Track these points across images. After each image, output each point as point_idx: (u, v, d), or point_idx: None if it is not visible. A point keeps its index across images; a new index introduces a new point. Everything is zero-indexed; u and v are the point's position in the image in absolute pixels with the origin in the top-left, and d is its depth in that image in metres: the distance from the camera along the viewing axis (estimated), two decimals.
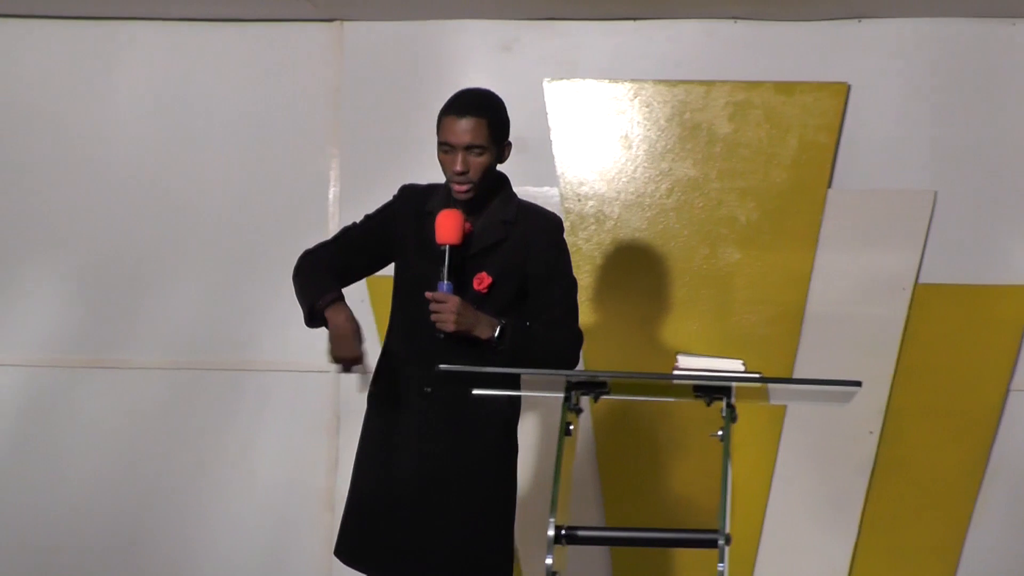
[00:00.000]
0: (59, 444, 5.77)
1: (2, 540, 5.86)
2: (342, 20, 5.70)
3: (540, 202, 5.39)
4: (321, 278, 4.10)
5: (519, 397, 4.18)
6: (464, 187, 3.97)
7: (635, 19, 5.53)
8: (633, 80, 5.49)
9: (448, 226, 3.94)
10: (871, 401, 5.25)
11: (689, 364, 4.12)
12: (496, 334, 3.96)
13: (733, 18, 5.45)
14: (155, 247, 5.81)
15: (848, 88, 5.40)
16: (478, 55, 5.64)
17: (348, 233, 4.24)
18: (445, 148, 3.97)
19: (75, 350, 5.81)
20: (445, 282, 3.91)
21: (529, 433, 5.39)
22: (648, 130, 5.48)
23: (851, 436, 5.35)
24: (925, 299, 5.38)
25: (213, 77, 5.80)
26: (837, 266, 5.37)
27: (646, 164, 5.48)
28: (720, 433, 4.05)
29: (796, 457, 5.40)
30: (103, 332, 5.81)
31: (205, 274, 5.70)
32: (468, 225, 3.99)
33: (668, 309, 5.46)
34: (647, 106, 5.48)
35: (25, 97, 5.91)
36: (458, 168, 3.94)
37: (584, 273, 5.45)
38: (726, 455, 4.04)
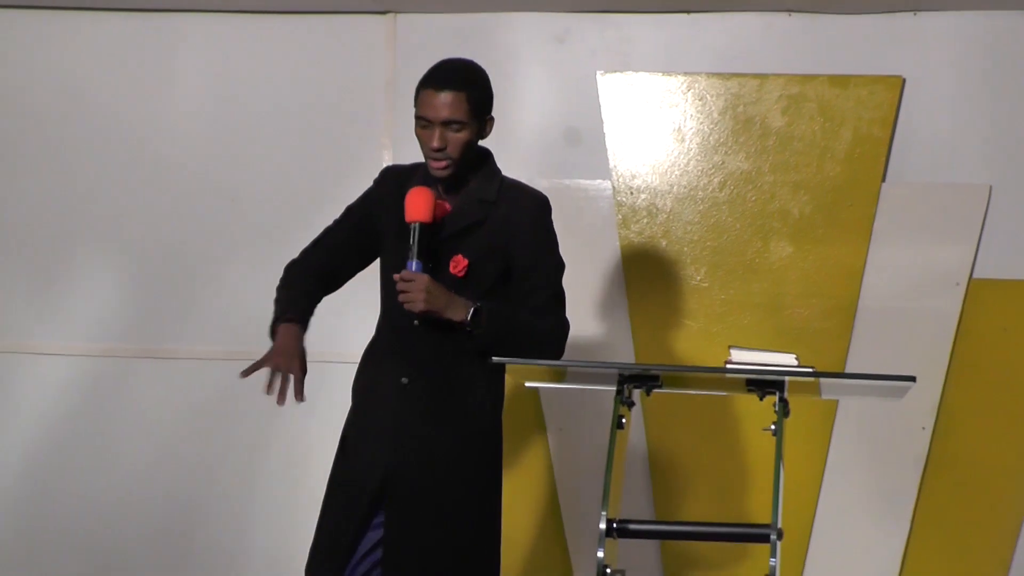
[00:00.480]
0: (112, 433, 5.83)
1: (56, 527, 5.91)
2: (396, 12, 5.72)
3: (591, 196, 5.49)
4: (291, 296, 3.99)
5: (501, 388, 4.01)
6: (442, 163, 3.78)
7: (689, 12, 5.52)
8: (686, 73, 5.49)
9: (417, 203, 3.76)
10: (924, 397, 5.21)
11: (742, 358, 4.11)
12: (470, 316, 3.76)
13: (788, 11, 5.42)
14: (209, 238, 5.85)
15: (903, 81, 5.37)
16: (531, 48, 5.64)
17: (329, 234, 4.08)
18: (422, 123, 3.78)
19: (128, 340, 5.86)
20: (414, 261, 3.73)
21: (576, 426, 5.49)
22: (701, 123, 5.47)
23: (904, 432, 5.32)
24: (979, 294, 5.35)
25: (268, 69, 5.83)
26: (891, 260, 5.34)
27: (699, 157, 5.47)
28: (773, 427, 4.05)
29: (848, 452, 5.37)
30: (156, 322, 5.85)
31: (258, 265, 5.70)
32: (447, 205, 3.83)
33: (720, 303, 5.45)
34: (700, 99, 5.47)
35: (82, 89, 5.96)
36: (435, 144, 3.75)
37: (635, 266, 5.48)
38: (778, 449, 4.05)
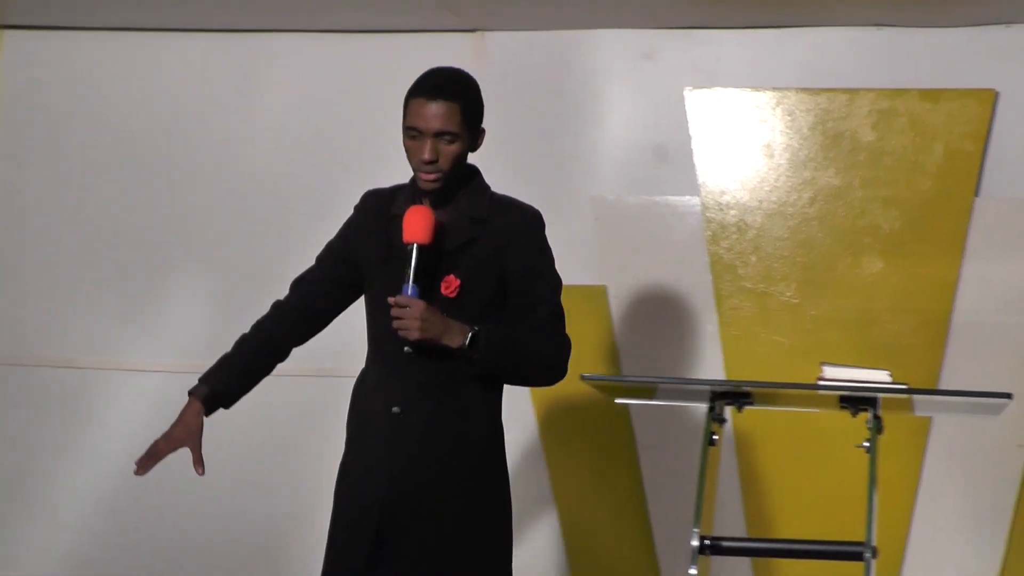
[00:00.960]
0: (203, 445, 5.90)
1: (149, 536, 6.01)
2: (483, 30, 5.76)
3: (680, 213, 5.50)
4: (231, 364, 3.94)
5: (499, 414, 3.76)
6: (431, 176, 3.56)
7: (777, 27, 5.52)
8: (775, 89, 5.49)
9: (417, 223, 3.54)
10: (1020, 413, 5.12)
11: (834, 375, 4.15)
12: (467, 342, 3.53)
13: (877, 25, 5.41)
14: (295, 256, 5.87)
15: (996, 95, 5.34)
16: (618, 64, 5.66)
17: (312, 270, 3.92)
18: (412, 134, 3.56)
19: (216, 357, 5.93)
20: (410, 285, 3.51)
21: (666, 443, 5.51)
22: (790, 139, 5.47)
23: (999, 449, 5.28)
24: None
25: (357, 88, 5.89)
26: (984, 276, 5.31)
27: (788, 173, 5.47)
28: (866, 444, 4.09)
29: (942, 470, 5.35)
30: None
31: None
32: (439, 222, 3.60)
33: (810, 319, 5.44)
34: (789, 115, 5.47)
35: (173, 109, 6.07)
36: (426, 156, 3.52)
37: (725, 282, 5.48)
38: (872, 466, 4.10)
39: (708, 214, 5.50)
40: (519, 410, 5.61)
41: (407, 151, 3.62)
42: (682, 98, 5.54)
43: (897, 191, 5.36)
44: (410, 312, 3.48)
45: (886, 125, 5.37)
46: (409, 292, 3.51)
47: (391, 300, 3.51)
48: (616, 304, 5.58)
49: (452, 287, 3.59)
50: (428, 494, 3.60)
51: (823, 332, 5.39)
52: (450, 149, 3.56)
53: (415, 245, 3.52)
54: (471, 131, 3.62)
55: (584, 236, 5.60)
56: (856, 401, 4.11)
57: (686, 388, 4.46)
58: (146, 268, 6.04)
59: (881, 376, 4.09)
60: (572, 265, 5.54)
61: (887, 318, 5.36)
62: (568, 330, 5.62)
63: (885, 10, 5.26)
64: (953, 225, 5.31)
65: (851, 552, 4.04)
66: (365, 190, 5.33)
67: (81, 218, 6.15)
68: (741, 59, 5.57)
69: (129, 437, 5.96)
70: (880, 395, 4.05)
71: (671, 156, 5.56)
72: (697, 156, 5.53)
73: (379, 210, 3.76)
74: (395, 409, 3.61)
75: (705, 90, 5.54)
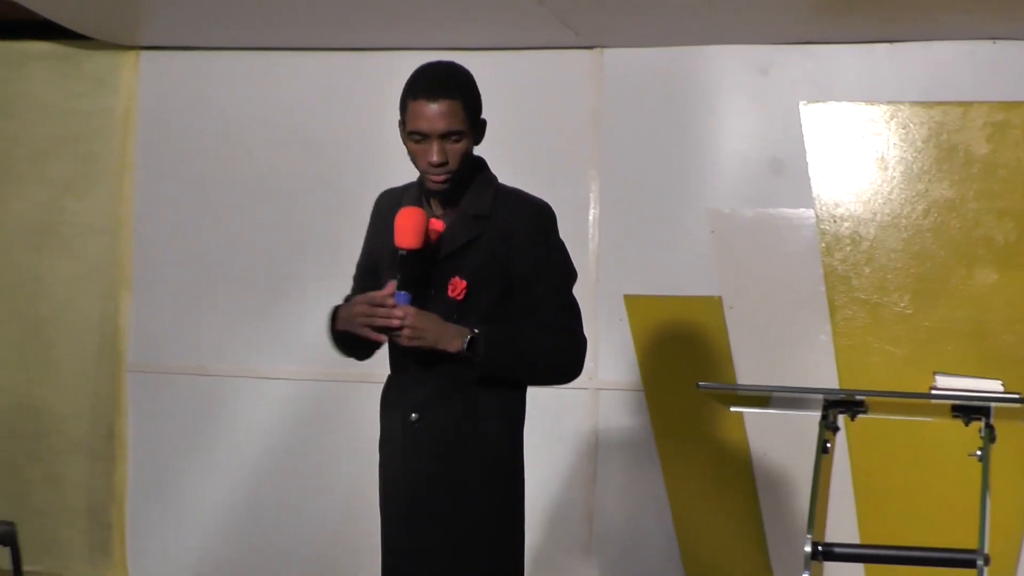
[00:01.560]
0: (328, 449, 6.02)
1: (279, 541, 6.13)
2: (602, 47, 5.80)
3: (795, 224, 5.51)
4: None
5: (519, 411, 3.59)
6: (441, 177, 3.40)
7: (891, 42, 5.51)
8: (889, 102, 5.48)
9: (405, 228, 3.36)
10: None
11: (947, 384, 4.14)
12: (465, 345, 3.38)
13: (992, 38, 5.38)
14: None
15: None
16: (734, 79, 5.68)
17: (355, 279, 3.79)
18: (416, 138, 3.39)
19: (341, 365, 6.03)
20: (402, 292, 3.36)
21: (780, 450, 5.53)
22: (904, 151, 5.46)
23: None
24: None
25: (484, 102, 5.90)
26: None
27: (902, 185, 5.46)
28: (979, 453, 4.07)
29: None
30: None
31: None
32: (440, 225, 3.45)
33: (924, 330, 5.42)
34: (903, 128, 5.46)
35: (298, 123, 6.18)
36: (435, 159, 3.37)
37: (839, 293, 5.49)
38: (985, 475, 4.07)
39: (822, 226, 5.51)
40: (635, 416, 5.74)
41: (412, 155, 3.46)
42: (797, 112, 5.56)
43: (1011, 203, 5.33)
44: (404, 320, 3.35)
45: (1000, 137, 5.34)
46: (401, 300, 3.37)
47: (373, 304, 3.39)
48: (731, 314, 5.60)
49: (459, 289, 3.44)
50: (443, 498, 3.47)
51: (936, 343, 5.38)
52: (457, 147, 3.41)
53: (403, 251, 3.37)
54: (475, 126, 3.47)
55: (700, 248, 5.64)
56: (969, 410, 4.10)
57: (800, 397, 4.45)
58: (273, 278, 6.18)
59: (994, 385, 4.09)
60: (688, 276, 5.66)
61: (1000, 329, 5.33)
62: (683, 341, 5.69)
63: (999, 24, 5.24)
64: None
65: (964, 559, 4.01)
66: None
67: (211, 230, 6.30)
68: (855, 73, 5.56)
69: (258, 441, 6.21)
70: (993, 404, 4.04)
71: (786, 169, 5.58)
72: (812, 169, 5.54)
73: (389, 210, 3.57)
74: (413, 416, 3.49)
75: (820, 104, 5.55)
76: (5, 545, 5.73)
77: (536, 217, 3.52)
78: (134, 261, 6.36)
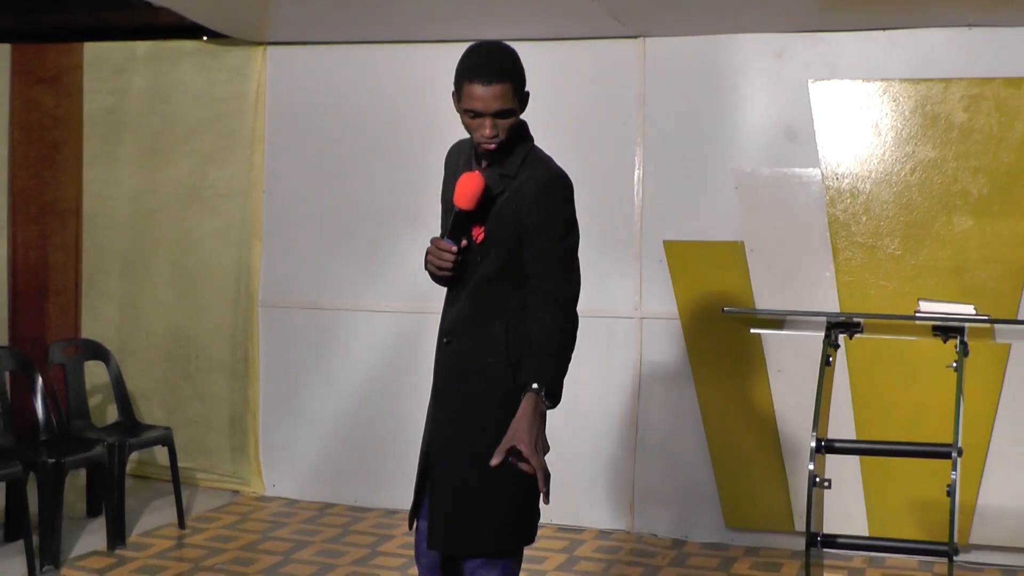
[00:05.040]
0: (422, 371, 6.05)
1: (380, 445, 6.22)
2: (644, 37, 5.81)
3: (804, 182, 5.52)
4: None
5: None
6: (493, 145, 3.25)
7: (885, 29, 5.48)
8: (883, 80, 5.47)
9: (466, 192, 3.25)
10: None
11: (929, 308, 4.16)
12: (544, 397, 3.17)
13: (968, 25, 5.35)
14: None
15: None
16: (754, 61, 5.67)
17: (441, 218, 3.53)
18: (471, 114, 3.22)
19: (435, 300, 6.11)
20: (450, 240, 3.28)
21: (792, 367, 5.54)
22: (895, 120, 5.45)
23: None
24: None
25: (542, 88, 5.81)
26: None
27: (893, 148, 5.45)
28: (954, 365, 4.09)
29: (1019, 387, 5.29)
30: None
31: None
32: (480, 178, 3.29)
33: (911, 268, 5.42)
34: (894, 101, 5.45)
35: (399, 105, 6.23)
36: (489, 133, 3.22)
37: (841, 238, 5.49)
38: (959, 383, 4.09)
39: (827, 183, 5.51)
40: (673, 340, 5.79)
41: (467, 127, 3.28)
42: (807, 88, 5.56)
43: (984, 162, 5.31)
44: (443, 256, 3.27)
45: (975, 108, 5.32)
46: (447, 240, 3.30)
47: (437, 244, 3.30)
48: (752, 256, 5.61)
49: (479, 234, 3.29)
50: (458, 413, 3.34)
51: (921, 278, 5.39)
52: (506, 122, 3.23)
53: (456, 210, 3.27)
54: (522, 102, 3.28)
55: (726, 201, 5.65)
56: (946, 330, 4.14)
57: (808, 320, 4.47)
58: (375, 230, 6.25)
59: (967, 309, 4.11)
60: (716, 224, 5.68)
61: (975, 266, 5.32)
62: (712, 278, 5.67)
63: (975, 13, 5.22)
64: None
65: (941, 452, 4.07)
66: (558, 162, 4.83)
67: (325, 191, 6.39)
68: (855, 55, 5.54)
69: (366, 365, 6.33)
70: (966, 324, 4.08)
71: (798, 136, 5.57)
72: (819, 136, 5.54)
73: (456, 157, 3.47)
74: (445, 339, 3.37)
75: (825, 82, 5.54)
76: (164, 446, 5.95)
77: (550, 182, 3.30)
78: (264, 218, 6.50)
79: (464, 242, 3.29)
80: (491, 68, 3.20)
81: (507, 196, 3.29)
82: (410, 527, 3.48)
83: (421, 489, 3.42)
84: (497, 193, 3.29)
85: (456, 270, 3.31)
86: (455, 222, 3.28)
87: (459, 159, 3.45)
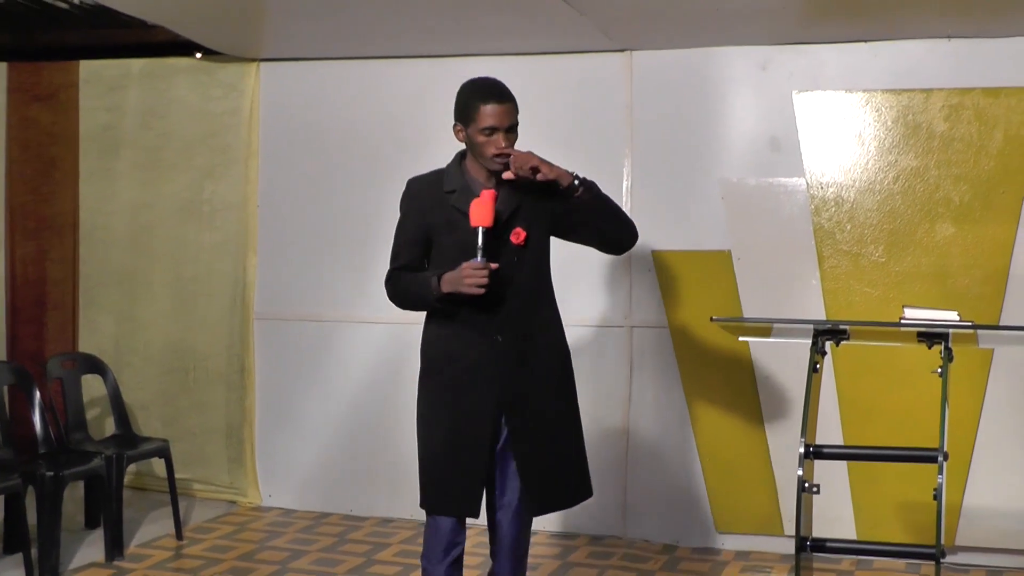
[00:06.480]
0: (413, 381, 6.06)
1: (373, 452, 6.19)
2: (632, 50, 5.80)
3: (790, 191, 5.52)
4: (413, 278, 3.79)
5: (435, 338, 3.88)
6: (504, 160, 3.63)
7: (867, 41, 5.47)
8: (865, 90, 5.46)
9: (484, 212, 3.61)
10: None
11: (913, 315, 4.12)
12: (575, 180, 3.64)
13: (948, 36, 5.34)
14: None
15: None
16: (739, 73, 5.65)
17: (403, 242, 3.86)
18: (488, 131, 3.62)
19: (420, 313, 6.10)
20: (484, 259, 3.60)
21: (779, 373, 5.52)
22: (878, 130, 5.44)
23: None
24: None
25: (536, 99, 5.76)
26: None
27: (876, 157, 5.44)
28: (939, 370, 4.06)
29: (1002, 392, 5.29)
30: None
31: None
32: (493, 192, 3.67)
33: (895, 274, 5.41)
34: (877, 111, 5.44)
35: (391, 120, 6.19)
36: (504, 147, 3.62)
37: (826, 246, 5.48)
38: (944, 388, 4.05)
39: (812, 192, 5.50)
40: (662, 348, 5.76)
41: (480, 145, 3.65)
42: (791, 99, 5.55)
43: (965, 170, 5.31)
44: (481, 273, 3.58)
45: (956, 117, 5.31)
46: (479, 260, 3.60)
47: (472, 267, 3.58)
48: (739, 264, 5.59)
49: (521, 237, 3.71)
50: (530, 398, 3.82)
51: (905, 284, 5.37)
52: (513, 137, 3.68)
53: (481, 229, 3.60)
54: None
55: (713, 211, 5.63)
56: (931, 336, 4.11)
57: (795, 327, 4.44)
58: (368, 243, 6.11)
59: (951, 316, 4.07)
60: (703, 234, 5.66)
61: (957, 272, 5.31)
62: (700, 286, 5.66)
63: (955, 24, 5.22)
64: (1011, 197, 5.25)
65: (927, 456, 4.03)
66: None
67: (321, 206, 6.36)
68: (838, 67, 5.53)
69: (361, 376, 6.28)
70: (950, 330, 4.05)
71: (782, 146, 5.56)
72: (803, 145, 5.53)
73: (430, 190, 3.80)
74: (498, 337, 3.73)
75: (809, 92, 5.53)
76: (161, 458, 5.92)
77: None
78: (259, 231, 6.47)
79: (492, 263, 3.62)
80: (502, 89, 3.66)
81: (529, 199, 3.70)
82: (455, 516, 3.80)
83: (475, 482, 3.76)
84: (520, 200, 3.70)
85: (489, 284, 3.61)
86: (484, 242, 3.59)
87: (426, 193, 3.79)
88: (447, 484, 3.78)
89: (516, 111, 3.68)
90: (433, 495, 3.82)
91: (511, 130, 3.66)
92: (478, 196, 3.66)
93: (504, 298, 3.71)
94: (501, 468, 3.82)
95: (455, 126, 3.74)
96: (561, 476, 3.84)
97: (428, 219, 3.79)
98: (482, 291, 3.60)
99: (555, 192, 3.68)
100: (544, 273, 3.83)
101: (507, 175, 3.64)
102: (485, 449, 3.76)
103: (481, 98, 3.64)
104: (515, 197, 3.72)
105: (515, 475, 3.79)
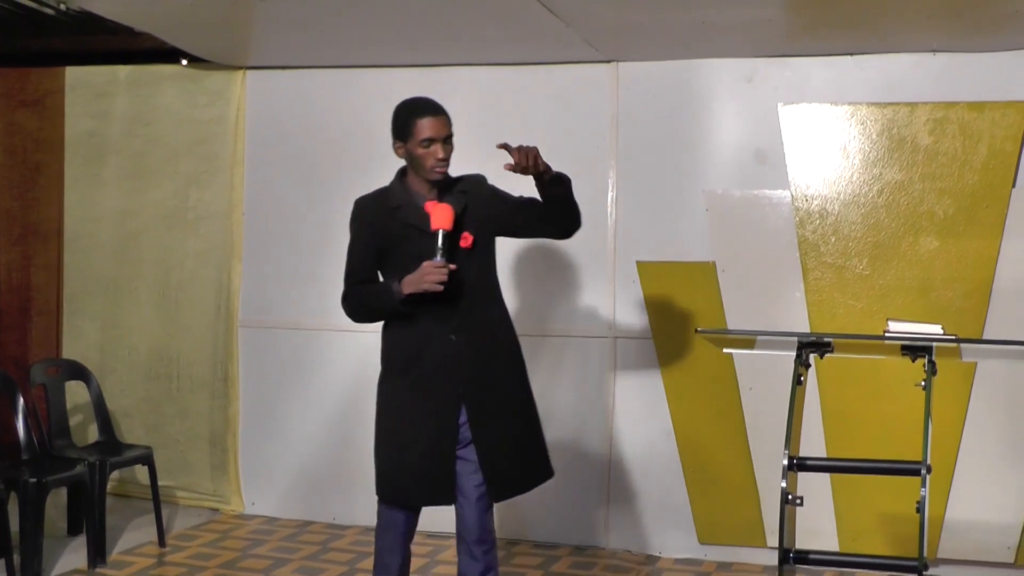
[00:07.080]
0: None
1: (355, 459, 5.96)
2: (617, 61, 5.80)
3: (774, 203, 5.52)
4: (371, 288, 4.02)
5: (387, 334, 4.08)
6: (443, 169, 3.90)
7: (852, 54, 5.49)
8: (850, 103, 5.46)
9: (445, 216, 3.83)
10: None
11: (897, 328, 4.13)
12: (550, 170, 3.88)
13: (933, 51, 5.36)
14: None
15: None
16: (725, 86, 5.66)
17: (356, 259, 4.07)
18: (426, 143, 3.85)
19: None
20: (443, 259, 3.81)
21: (763, 385, 5.50)
22: (863, 143, 5.44)
23: None
24: None
25: (523, 109, 5.95)
26: (1020, 251, 5.24)
27: (861, 170, 5.45)
28: (923, 384, 4.07)
29: (984, 405, 5.29)
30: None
31: (509, 269, 5.78)
32: (443, 205, 3.88)
33: (879, 287, 5.41)
34: (862, 124, 5.44)
35: (377, 128, 5.73)
36: (443, 156, 3.87)
37: (810, 258, 5.48)
38: (928, 401, 4.07)
39: (796, 204, 5.50)
40: (646, 359, 5.74)
41: (421, 157, 3.89)
42: (776, 112, 5.55)
43: (949, 183, 5.31)
44: (442, 272, 3.78)
45: (940, 131, 5.32)
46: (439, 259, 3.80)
47: (433, 265, 3.78)
48: (723, 276, 5.58)
49: (468, 241, 3.93)
50: (491, 390, 4.03)
51: (889, 297, 5.37)
52: (450, 147, 3.93)
53: (441, 232, 3.81)
54: None
55: (698, 222, 5.63)
56: (915, 349, 4.12)
57: (779, 339, 4.45)
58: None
59: (935, 329, 4.09)
60: (688, 245, 5.66)
61: (941, 286, 5.31)
62: (684, 297, 5.68)
63: (940, 39, 5.23)
64: (995, 211, 5.26)
65: (910, 469, 4.04)
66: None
67: (306, 214, 6.33)
68: (823, 80, 5.53)
69: (344, 384, 6.24)
70: (934, 344, 4.06)
71: (767, 158, 5.56)
72: (788, 158, 5.53)
73: (377, 208, 4.02)
74: (452, 336, 3.93)
75: (794, 105, 5.53)
76: (144, 465, 5.89)
77: (485, 181, 4.06)
78: (243, 239, 6.45)
79: (449, 263, 3.83)
80: (435, 104, 3.92)
81: (472, 205, 3.94)
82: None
83: (433, 471, 3.94)
84: (464, 206, 3.92)
85: (446, 284, 3.82)
86: (444, 244, 3.79)
87: (375, 211, 4.00)
88: (417, 474, 3.97)
89: (450, 123, 3.90)
90: (405, 486, 4.01)
91: (447, 140, 3.90)
92: (422, 209, 3.88)
93: (457, 298, 3.91)
94: (462, 458, 3.97)
95: (394, 144, 3.97)
96: (521, 461, 4.05)
97: (379, 234, 3.98)
98: (442, 288, 3.80)
99: (504, 199, 4.04)
100: (491, 273, 4.07)
101: (508, 166, 3.80)
102: (450, 439, 3.95)
103: (417, 114, 3.89)
104: (460, 204, 3.93)
105: (476, 464, 3.95)
